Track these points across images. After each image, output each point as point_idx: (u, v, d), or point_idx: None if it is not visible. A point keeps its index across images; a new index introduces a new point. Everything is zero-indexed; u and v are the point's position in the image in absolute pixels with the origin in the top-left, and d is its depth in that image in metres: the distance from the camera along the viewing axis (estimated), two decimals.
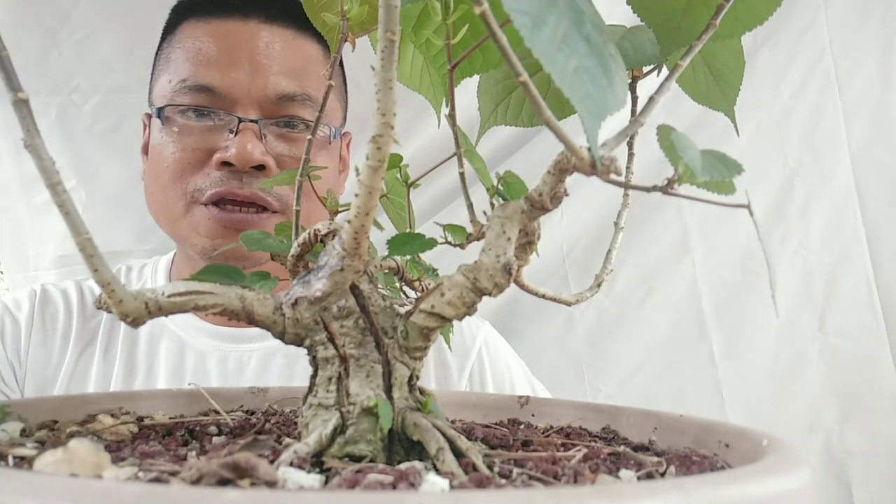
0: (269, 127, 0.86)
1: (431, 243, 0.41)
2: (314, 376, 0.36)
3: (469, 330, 1.00)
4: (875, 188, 1.20)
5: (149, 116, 0.94)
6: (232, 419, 0.45)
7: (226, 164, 0.83)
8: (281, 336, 0.35)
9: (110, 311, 0.32)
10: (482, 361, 0.98)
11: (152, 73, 0.94)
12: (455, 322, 1.01)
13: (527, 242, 0.38)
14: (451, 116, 0.41)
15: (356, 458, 0.33)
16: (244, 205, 0.85)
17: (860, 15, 1.21)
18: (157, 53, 0.94)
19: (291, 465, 0.29)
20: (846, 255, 1.21)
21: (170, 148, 0.86)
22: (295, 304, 0.35)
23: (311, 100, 0.88)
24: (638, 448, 0.40)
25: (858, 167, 1.21)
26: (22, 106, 0.28)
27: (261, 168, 0.83)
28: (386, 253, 0.41)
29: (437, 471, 0.30)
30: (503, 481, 0.29)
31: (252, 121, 0.84)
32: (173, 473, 0.26)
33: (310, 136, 0.44)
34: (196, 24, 0.88)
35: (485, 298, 0.34)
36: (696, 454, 0.36)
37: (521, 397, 0.52)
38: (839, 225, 1.21)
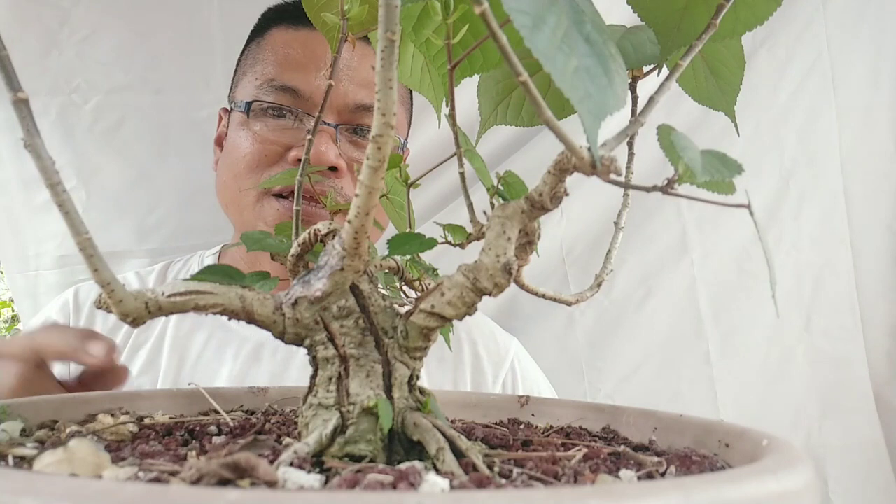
0: (344, 132, 0.92)
1: (431, 243, 0.41)
2: (314, 376, 0.36)
3: (503, 342, 1.05)
4: (861, 192, 1.21)
5: (226, 111, 1.01)
6: (232, 419, 0.45)
7: (300, 161, 0.86)
8: (281, 336, 0.35)
9: (110, 311, 0.32)
10: (515, 373, 1.02)
11: (236, 72, 1.01)
12: (488, 332, 1.02)
13: (527, 242, 0.38)
14: (451, 116, 0.41)
15: (356, 458, 0.33)
16: (312, 200, 0.88)
17: (857, 16, 1.21)
18: (243, 53, 1.00)
19: (291, 465, 0.29)
20: (833, 257, 1.22)
21: (249, 140, 0.91)
22: (295, 303, 0.35)
23: None
24: (638, 448, 0.40)
25: (847, 170, 1.22)
26: (22, 106, 0.28)
27: (333, 169, 0.88)
28: (386, 253, 0.41)
29: (437, 471, 0.30)
30: (503, 481, 0.29)
31: (329, 125, 0.89)
32: (173, 473, 0.26)
33: (310, 137, 0.44)
34: (286, 30, 0.95)
35: (485, 298, 0.34)
36: (696, 454, 0.36)
37: (521, 397, 0.52)
38: (828, 227, 1.23)
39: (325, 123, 0.89)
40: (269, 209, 0.90)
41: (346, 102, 0.91)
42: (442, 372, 0.97)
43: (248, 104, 0.92)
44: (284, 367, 0.92)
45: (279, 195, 0.90)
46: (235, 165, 0.93)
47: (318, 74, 0.91)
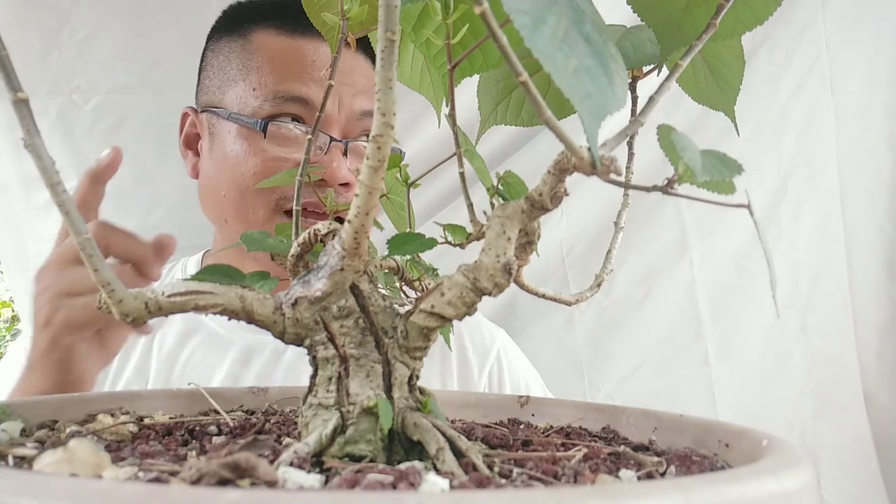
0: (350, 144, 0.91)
1: (431, 243, 0.41)
2: (314, 376, 0.36)
3: (489, 333, 1.04)
4: (856, 193, 1.22)
5: (194, 111, 0.97)
6: (232, 419, 0.45)
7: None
8: (281, 336, 0.35)
9: (110, 311, 0.32)
10: (500, 363, 1.02)
11: (207, 73, 0.96)
12: (474, 324, 1.01)
13: (527, 242, 0.38)
14: (451, 116, 0.41)
15: (356, 458, 0.33)
16: (324, 216, 0.88)
17: (855, 17, 1.21)
18: (211, 51, 0.97)
19: (291, 465, 0.29)
20: (829, 257, 1.23)
21: (258, 156, 0.88)
22: (295, 303, 0.35)
23: None
24: (638, 448, 0.40)
25: (844, 171, 1.22)
26: (22, 106, 0.28)
27: (345, 185, 0.88)
28: (386, 253, 0.41)
29: (437, 471, 0.30)
30: (503, 481, 0.29)
31: (339, 140, 0.89)
32: (173, 473, 0.26)
33: (309, 136, 0.44)
34: (277, 35, 0.91)
35: (485, 298, 0.34)
36: (696, 454, 0.36)
37: (521, 397, 0.52)
38: (825, 228, 1.23)
39: (337, 140, 0.88)
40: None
41: (349, 114, 0.89)
42: (429, 365, 0.96)
43: (264, 122, 0.87)
44: (271, 370, 0.92)
45: (290, 211, 0.89)
46: (243, 180, 0.89)
47: (321, 84, 0.89)
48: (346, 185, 0.88)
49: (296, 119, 0.89)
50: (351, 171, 0.88)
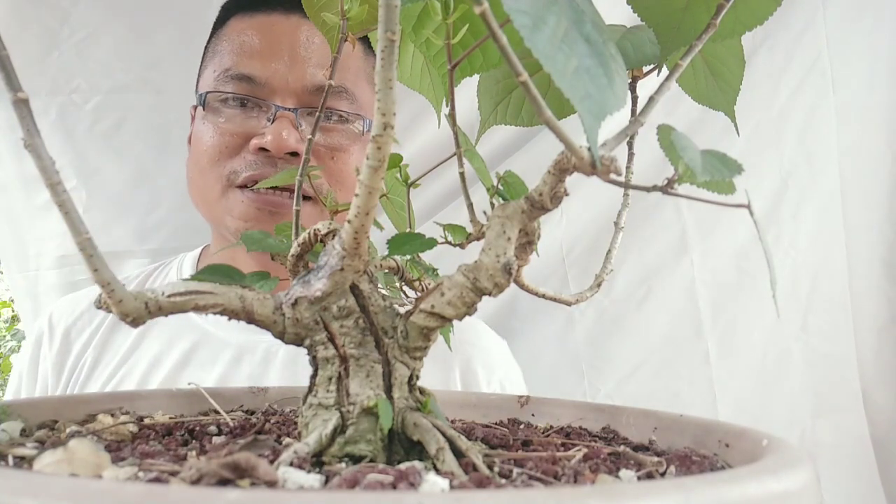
0: (305, 116, 0.89)
1: (431, 243, 0.41)
2: (314, 376, 0.36)
3: (497, 349, 1.02)
4: (856, 193, 1.22)
5: (195, 108, 0.98)
6: (232, 419, 0.45)
7: (262, 149, 0.87)
8: (281, 336, 0.35)
9: (110, 311, 0.32)
10: (503, 384, 0.99)
11: (200, 67, 0.99)
12: (480, 339, 0.98)
13: (527, 242, 0.38)
14: (451, 116, 0.41)
15: (356, 458, 0.33)
16: (278, 189, 0.87)
17: (856, 17, 1.21)
18: (205, 48, 0.98)
19: (291, 465, 0.29)
20: (829, 256, 1.23)
21: (210, 132, 0.90)
22: (295, 303, 0.35)
23: (348, 92, 0.91)
24: (638, 448, 0.40)
25: (845, 171, 1.22)
26: (22, 106, 0.28)
27: (295, 155, 0.86)
28: (386, 253, 0.41)
29: (437, 471, 0.30)
30: (503, 481, 0.29)
31: (289, 109, 0.87)
32: (173, 473, 0.26)
33: (310, 136, 0.44)
34: (242, 18, 0.93)
35: (485, 298, 0.34)
36: (696, 454, 0.36)
37: (521, 397, 0.52)
38: (825, 228, 1.23)
39: (285, 108, 0.87)
40: (234, 201, 0.88)
41: (305, 85, 0.88)
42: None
43: (204, 96, 0.90)
44: (264, 369, 0.90)
45: (243, 186, 0.88)
46: (199, 160, 0.91)
47: (275, 59, 0.89)
48: (296, 155, 0.86)
49: (241, 96, 0.89)
50: (303, 142, 0.87)
